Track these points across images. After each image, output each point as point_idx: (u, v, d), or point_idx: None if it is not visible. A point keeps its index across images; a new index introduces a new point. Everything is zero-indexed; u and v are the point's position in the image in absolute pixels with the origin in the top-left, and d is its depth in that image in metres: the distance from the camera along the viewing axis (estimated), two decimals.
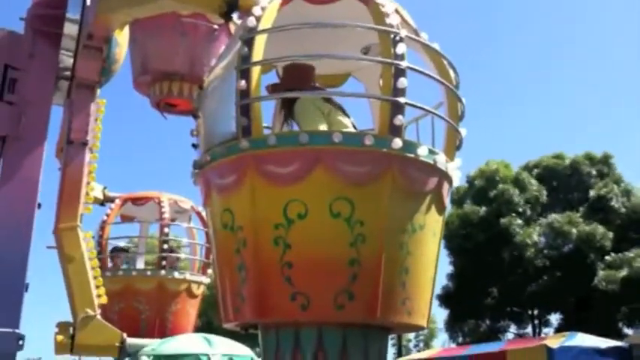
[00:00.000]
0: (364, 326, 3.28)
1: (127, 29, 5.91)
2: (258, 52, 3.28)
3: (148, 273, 8.48)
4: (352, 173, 3.14)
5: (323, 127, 3.42)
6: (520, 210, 26.01)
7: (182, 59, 6.66)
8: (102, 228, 8.69)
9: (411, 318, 3.27)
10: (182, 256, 10.51)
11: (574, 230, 24.85)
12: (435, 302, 27.65)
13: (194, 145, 3.76)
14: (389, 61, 3.23)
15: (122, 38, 5.64)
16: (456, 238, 26.27)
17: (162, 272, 8.41)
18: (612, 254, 24.58)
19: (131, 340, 5.42)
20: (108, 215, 8.78)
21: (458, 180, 3.63)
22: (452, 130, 3.59)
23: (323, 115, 3.47)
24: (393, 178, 3.17)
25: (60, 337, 4.74)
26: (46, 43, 4.57)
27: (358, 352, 3.24)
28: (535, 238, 25.70)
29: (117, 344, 4.95)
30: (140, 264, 9.63)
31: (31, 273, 4.13)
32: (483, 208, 26.07)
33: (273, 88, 3.79)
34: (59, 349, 4.77)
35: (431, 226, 3.39)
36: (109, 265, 8.81)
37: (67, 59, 4.88)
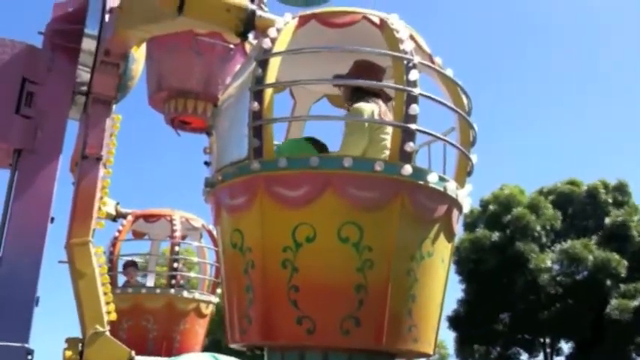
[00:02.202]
0: (369, 352, 3.26)
1: (143, 46, 5.98)
2: (272, 74, 3.31)
3: (157, 291, 8.46)
4: (362, 198, 3.14)
5: (362, 141, 3.38)
6: (535, 235, 25.82)
7: (197, 78, 6.72)
8: (113, 244, 8.69)
9: (417, 345, 3.25)
10: (192, 275, 10.50)
11: (590, 257, 24.60)
12: (445, 324, 27.43)
13: (206, 163, 3.79)
14: (401, 87, 3.24)
15: (139, 55, 5.70)
16: (467, 263, 26.11)
17: (172, 291, 8.37)
18: (626, 283, 24.31)
19: (139, 359, 5.41)
20: (120, 232, 8.77)
21: (468, 207, 3.62)
22: (463, 157, 3.59)
23: (367, 129, 3.42)
24: (402, 205, 3.16)
25: (69, 353, 4.72)
26: (64, 57, 4.64)
27: None
28: (549, 264, 25.49)
29: None
30: (150, 282, 9.63)
31: (42, 287, 4.16)
32: (496, 233, 25.90)
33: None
34: None
35: (439, 253, 3.38)
36: (122, 279, 8.81)
37: (84, 74, 4.94)
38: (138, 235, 9.66)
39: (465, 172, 3.60)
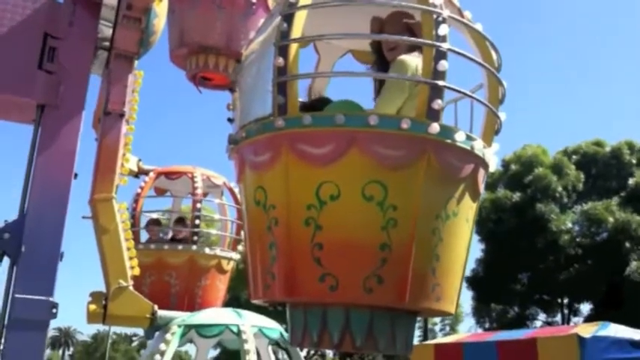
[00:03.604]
0: (392, 309, 3.26)
1: (165, 1, 5.90)
2: (297, 29, 3.23)
3: (180, 247, 8.50)
4: (387, 157, 3.09)
5: (401, 96, 3.32)
6: (557, 196, 25.66)
7: (219, 33, 6.62)
8: (135, 201, 8.73)
9: (439, 304, 3.25)
10: (213, 232, 10.58)
11: (610, 218, 24.43)
12: (463, 285, 27.53)
13: (230, 120, 3.76)
14: (430, 42, 3.15)
15: (161, 9, 5.63)
16: (487, 223, 26.07)
17: (194, 247, 8.45)
18: None
19: (162, 313, 5.49)
20: (142, 188, 8.81)
21: (495, 166, 3.56)
22: (491, 115, 3.51)
23: (408, 83, 3.34)
24: (428, 164, 3.11)
25: (93, 307, 4.79)
26: (86, 12, 4.59)
27: (384, 335, 3.23)
28: (569, 225, 25.37)
29: (148, 316, 5.01)
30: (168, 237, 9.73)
31: (66, 242, 4.20)
32: (517, 194, 25.78)
33: (379, 25, 3.67)
34: (91, 318, 4.83)
35: (464, 212, 3.34)
36: (145, 236, 8.90)
37: (106, 29, 4.90)
38: (160, 192, 9.73)
39: (492, 130, 3.53)
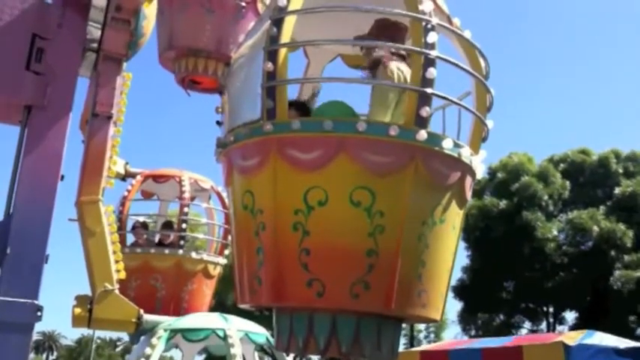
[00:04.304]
0: (378, 316, 3.26)
1: (154, 3, 5.88)
2: (286, 34, 3.24)
3: (166, 251, 8.45)
4: (375, 163, 3.10)
5: (392, 104, 3.35)
6: (543, 204, 25.80)
7: (208, 36, 6.60)
8: (122, 204, 8.69)
9: (425, 311, 3.25)
10: (200, 236, 10.52)
11: (595, 227, 24.59)
12: (449, 294, 27.59)
13: (218, 123, 3.75)
14: (418, 50, 3.17)
15: (150, 11, 5.62)
16: (474, 230, 26.16)
17: (180, 252, 8.39)
18: (631, 254, 24.34)
19: (148, 317, 5.44)
20: (129, 191, 8.78)
21: (482, 173, 3.57)
22: (479, 122, 3.53)
23: (396, 91, 3.38)
24: (416, 170, 3.13)
25: (78, 310, 4.74)
26: (75, 13, 4.56)
27: (371, 341, 3.23)
28: (555, 233, 25.51)
29: (134, 320, 4.97)
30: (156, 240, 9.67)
31: (52, 245, 4.17)
32: (504, 201, 25.89)
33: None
34: (76, 322, 4.78)
35: (451, 219, 3.35)
36: (131, 239, 8.84)
37: (94, 31, 4.87)
38: (147, 195, 9.66)
39: (479, 137, 3.54)
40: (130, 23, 5.07)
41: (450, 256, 3.44)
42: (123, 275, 5.06)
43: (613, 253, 24.66)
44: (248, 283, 3.36)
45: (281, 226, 3.15)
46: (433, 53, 3.16)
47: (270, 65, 3.18)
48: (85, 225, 4.78)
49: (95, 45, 4.97)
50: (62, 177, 4.40)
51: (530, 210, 25.43)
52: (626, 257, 24.45)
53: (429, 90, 3.12)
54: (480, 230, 26.08)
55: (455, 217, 3.40)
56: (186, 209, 8.70)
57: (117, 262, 4.96)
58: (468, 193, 3.50)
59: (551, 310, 27.51)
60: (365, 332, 3.22)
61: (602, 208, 26.08)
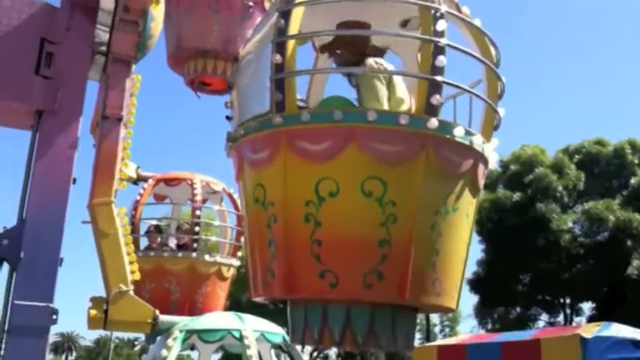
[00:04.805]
0: (393, 306, 3.25)
1: (162, 5, 5.89)
2: (294, 25, 3.23)
3: (180, 254, 8.47)
4: (386, 153, 3.09)
5: (384, 98, 3.36)
6: (557, 196, 25.60)
7: (216, 37, 6.60)
8: (135, 208, 8.71)
9: (440, 299, 3.24)
10: (213, 238, 10.53)
11: (611, 217, 24.36)
12: (465, 287, 27.51)
13: (228, 117, 3.75)
14: (428, 38, 3.15)
15: (158, 13, 5.62)
16: (488, 223, 26.01)
17: (194, 254, 8.42)
18: None
19: (163, 317, 5.44)
20: (141, 195, 8.80)
21: (494, 162, 3.55)
22: (490, 110, 3.51)
23: (385, 83, 3.40)
24: (427, 159, 3.11)
25: (93, 312, 4.73)
26: (83, 17, 4.57)
27: (386, 331, 3.22)
28: (570, 224, 25.32)
29: (149, 321, 4.96)
30: (172, 245, 9.62)
31: (66, 248, 4.18)
32: (517, 194, 25.72)
33: (327, 49, 3.71)
34: (92, 323, 4.77)
35: (464, 208, 3.33)
36: (144, 244, 8.86)
37: (103, 34, 4.88)
38: (159, 198, 9.69)
39: (491, 125, 3.52)
40: (138, 25, 5.07)
41: (464, 245, 3.42)
42: (137, 276, 5.06)
43: (630, 243, 24.42)
44: (261, 275, 3.35)
45: (292, 217, 3.14)
46: (443, 41, 3.14)
47: (278, 57, 3.17)
48: (98, 227, 4.78)
49: (104, 48, 4.98)
50: (74, 180, 4.41)
51: (544, 202, 25.22)
52: None
53: (439, 78, 3.10)
54: (493, 223, 25.89)
55: (468, 206, 3.37)
56: (198, 212, 8.71)
57: (131, 263, 4.95)
58: (481, 182, 3.48)
59: (568, 301, 27.29)
60: (379, 323, 3.20)
61: (617, 198, 25.84)
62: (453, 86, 3.25)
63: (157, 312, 5.15)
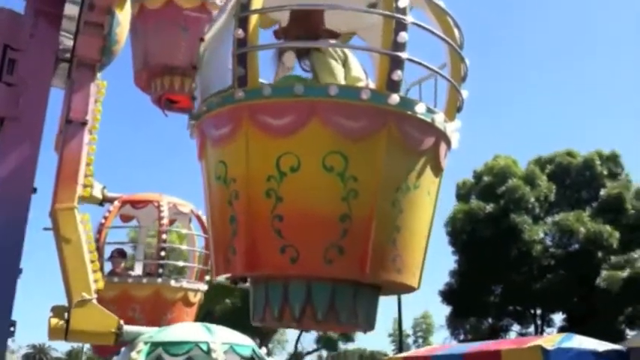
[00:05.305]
0: (354, 283, 3.22)
1: (129, 11, 5.72)
2: (257, 1, 3.22)
3: (144, 281, 8.30)
4: (348, 127, 3.08)
5: (341, 76, 3.37)
6: (529, 207, 25.91)
7: (184, 54, 6.60)
8: (99, 231, 8.47)
9: (401, 276, 3.22)
10: (180, 263, 10.32)
11: (582, 229, 24.71)
12: (437, 298, 27.60)
13: (193, 98, 3.72)
14: (389, 13, 3.16)
15: (124, 18, 5.50)
16: (461, 234, 26.20)
17: (159, 280, 8.24)
18: (618, 255, 24.45)
19: (128, 328, 5.25)
20: (106, 218, 8.58)
21: (457, 143, 3.56)
22: (453, 91, 3.52)
23: (340, 63, 3.41)
24: (389, 135, 3.11)
25: (54, 322, 4.50)
26: (47, 23, 4.53)
27: (346, 308, 3.19)
28: (542, 235, 25.61)
29: (113, 331, 4.80)
30: (138, 270, 9.43)
31: (27, 258, 4.07)
32: (490, 205, 25.97)
33: (283, 32, 3.70)
34: (53, 334, 4.54)
35: (426, 185, 3.33)
36: (108, 269, 8.65)
37: (67, 41, 4.81)
38: (126, 219, 9.47)
39: (454, 106, 3.53)
40: (103, 27, 4.98)
41: (426, 224, 3.42)
42: (101, 285, 4.87)
43: (600, 254, 24.78)
44: (222, 253, 3.32)
45: (254, 193, 3.11)
46: (405, 18, 3.15)
47: (240, 32, 3.15)
48: (60, 233, 4.60)
49: (68, 55, 4.90)
50: (35, 190, 4.29)
51: (516, 213, 25.52)
52: (613, 258, 24.55)
53: (401, 54, 3.11)
54: (466, 234, 26.12)
55: (430, 184, 3.38)
56: (164, 236, 8.51)
57: (95, 271, 4.75)
58: (444, 162, 3.48)
59: (539, 312, 27.54)
60: (340, 298, 3.17)
61: (587, 209, 26.22)
62: (414, 62, 3.25)
63: (122, 322, 4.96)
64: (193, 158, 3.66)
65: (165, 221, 8.57)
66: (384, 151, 3.10)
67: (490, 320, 27.90)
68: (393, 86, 3.11)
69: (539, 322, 27.64)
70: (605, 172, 27.01)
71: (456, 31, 3.60)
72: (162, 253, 8.42)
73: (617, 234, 24.75)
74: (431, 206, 3.45)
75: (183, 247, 10.03)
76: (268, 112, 3.12)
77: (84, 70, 4.95)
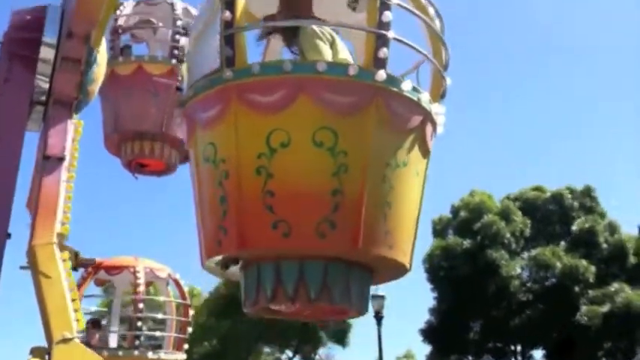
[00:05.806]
0: (347, 262, 3.21)
1: (104, 50, 5.67)
2: None
3: (120, 353, 8.07)
4: (336, 103, 3.12)
5: (329, 57, 3.43)
6: (505, 242, 26.02)
7: (153, 119, 6.67)
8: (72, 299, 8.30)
9: (392, 252, 3.22)
10: (157, 334, 10.01)
11: (558, 263, 24.85)
12: (419, 338, 27.36)
13: (179, 89, 3.73)
14: None
15: (101, 57, 5.49)
16: (439, 270, 26.17)
17: (136, 352, 8.03)
18: (595, 289, 24.57)
19: None
20: (79, 285, 8.32)
21: (442, 127, 3.61)
22: (437, 78, 3.60)
23: (328, 44, 3.48)
24: (377, 110, 3.16)
25: None
26: (22, 67, 4.51)
27: (339, 286, 3.18)
28: (519, 270, 25.68)
29: None
30: (113, 342, 9.12)
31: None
32: (467, 240, 26.05)
33: (271, 19, 3.76)
34: None
35: (414, 164, 3.37)
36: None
37: (43, 84, 4.78)
38: (100, 283, 9.29)
39: (438, 91, 3.61)
40: (80, 63, 4.93)
41: (415, 202, 3.44)
42: (82, 325, 4.67)
43: (577, 288, 24.87)
44: (213, 234, 3.28)
45: (244, 171, 3.12)
46: None
47: (228, 14, 3.21)
48: (38, 269, 4.38)
49: (44, 98, 4.84)
50: (9, 235, 4.18)
51: (493, 248, 25.60)
52: (591, 292, 24.67)
53: (386, 32, 3.18)
54: (444, 270, 26.09)
55: (418, 163, 3.41)
56: (140, 305, 8.32)
57: (76, 311, 4.55)
58: (430, 143, 3.53)
59: (519, 348, 27.38)
60: (333, 276, 3.16)
61: (562, 244, 26.45)
62: (399, 41, 3.32)
63: None
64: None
65: (141, 288, 8.36)
66: (373, 126, 3.15)
67: (470, 358, 27.65)
68: (380, 63, 3.17)
69: (519, 358, 27.46)
70: (577, 206, 27.38)
71: (437, 21, 3.70)
72: (139, 324, 8.19)
73: (592, 268, 24.93)
74: (419, 187, 3.47)
75: (159, 315, 9.70)
76: (257, 90, 3.15)
77: (60, 107, 4.84)
